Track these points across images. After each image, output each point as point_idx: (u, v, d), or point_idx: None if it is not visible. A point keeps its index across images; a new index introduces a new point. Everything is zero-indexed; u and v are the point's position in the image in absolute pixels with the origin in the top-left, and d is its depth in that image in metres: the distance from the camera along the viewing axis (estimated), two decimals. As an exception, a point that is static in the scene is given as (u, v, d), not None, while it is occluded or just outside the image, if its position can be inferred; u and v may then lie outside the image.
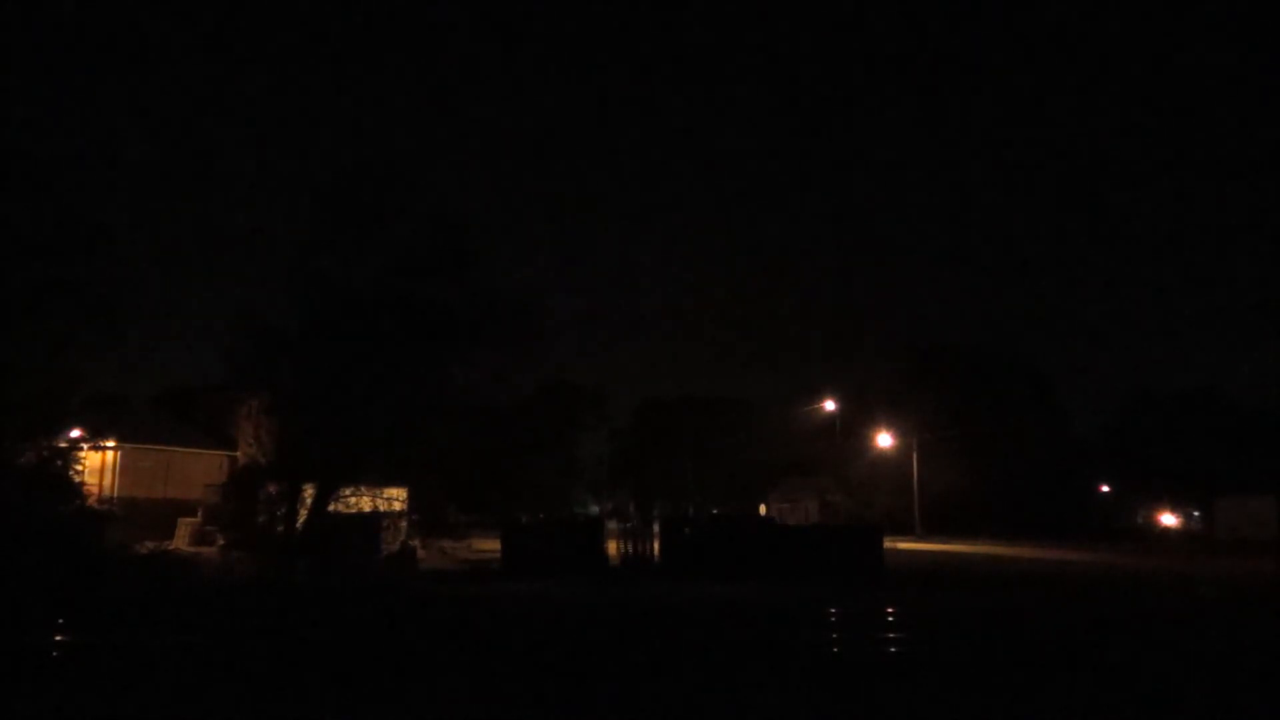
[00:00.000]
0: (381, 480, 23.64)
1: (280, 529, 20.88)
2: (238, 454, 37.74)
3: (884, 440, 59.82)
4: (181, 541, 30.90)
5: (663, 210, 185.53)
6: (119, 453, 36.42)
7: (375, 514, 23.09)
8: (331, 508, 21.67)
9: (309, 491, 21.21)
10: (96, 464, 33.98)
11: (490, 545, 25.66)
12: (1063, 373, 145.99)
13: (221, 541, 24.30)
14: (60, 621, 13.91)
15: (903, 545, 39.83)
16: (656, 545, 26.05)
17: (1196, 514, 59.38)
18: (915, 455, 55.41)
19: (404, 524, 24.25)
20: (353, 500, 22.45)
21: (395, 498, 24.18)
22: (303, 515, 21.04)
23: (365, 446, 21.84)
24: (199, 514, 34.22)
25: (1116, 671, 11.81)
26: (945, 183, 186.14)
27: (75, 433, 22.69)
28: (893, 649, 13.13)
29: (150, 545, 22.28)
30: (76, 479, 21.25)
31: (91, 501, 22.88)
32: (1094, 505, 64.99)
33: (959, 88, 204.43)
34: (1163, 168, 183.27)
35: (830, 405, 64.83)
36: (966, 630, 15.11)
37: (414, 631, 14.62)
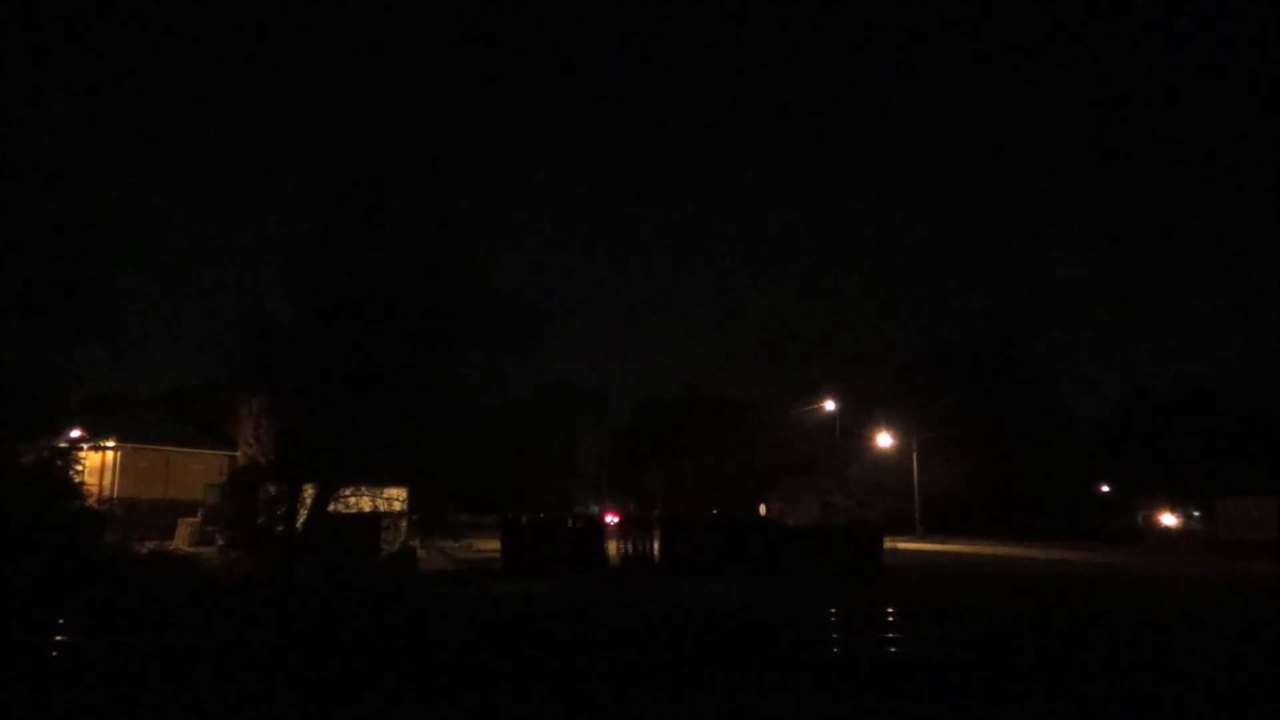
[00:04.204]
0: (381, 480, 23.63)
1: (280, 529, 20.88)
2: (238, 454, 37.68)
3: (884, 440, 59.80)
4: (181, 541, 30.87)
5: (663, 210, 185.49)
6: (119, 453, 36.39)
7: (375, 514, 23.07)
8: (331, 508, 21.67)
9: (309, 491, 21.21)
10: (96, 464, 33.95)
11: (490, 545, 25.66)
12: (1063, 373, 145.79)
13: (221, 541, 24.29)
14: (60, 621, 13.90)
15: (903, 545, 39.83)
16: (656, 545, 26.04)
17: (1196, 514, 59.35)
18: (915, 455, 55.41)
19: (404, 524, 24.22)
20: (353, 500, 22.44)
21: (395, 498, 24.16)
22: (303, 515, 21.03)
23: (365, 446, 21.84)
24: (199, 514, 34.16)
25: (1115, 672, 11.81)
26: (945, 183, 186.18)
27: (75, 433, 22.67)
28: (892, 649, 13.14)
29: (150, 545, 22.31)
30: (76, 479, 21.26)
31: (91, 501, 22.87)
32: (1094, 505, 64.93)
33: (958, 88, 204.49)
34: (1162, 167, 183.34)
35: (830, 405, 64.79)
36: (966, 630, 15.11)
37: (414, 632, 14.62)
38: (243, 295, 22.06)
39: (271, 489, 21.48)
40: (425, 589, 20.46)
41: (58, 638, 13.05)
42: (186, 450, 39.88)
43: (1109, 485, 68.40)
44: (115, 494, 34.35)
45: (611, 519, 28.23)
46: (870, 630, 14.45)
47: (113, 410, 35.47)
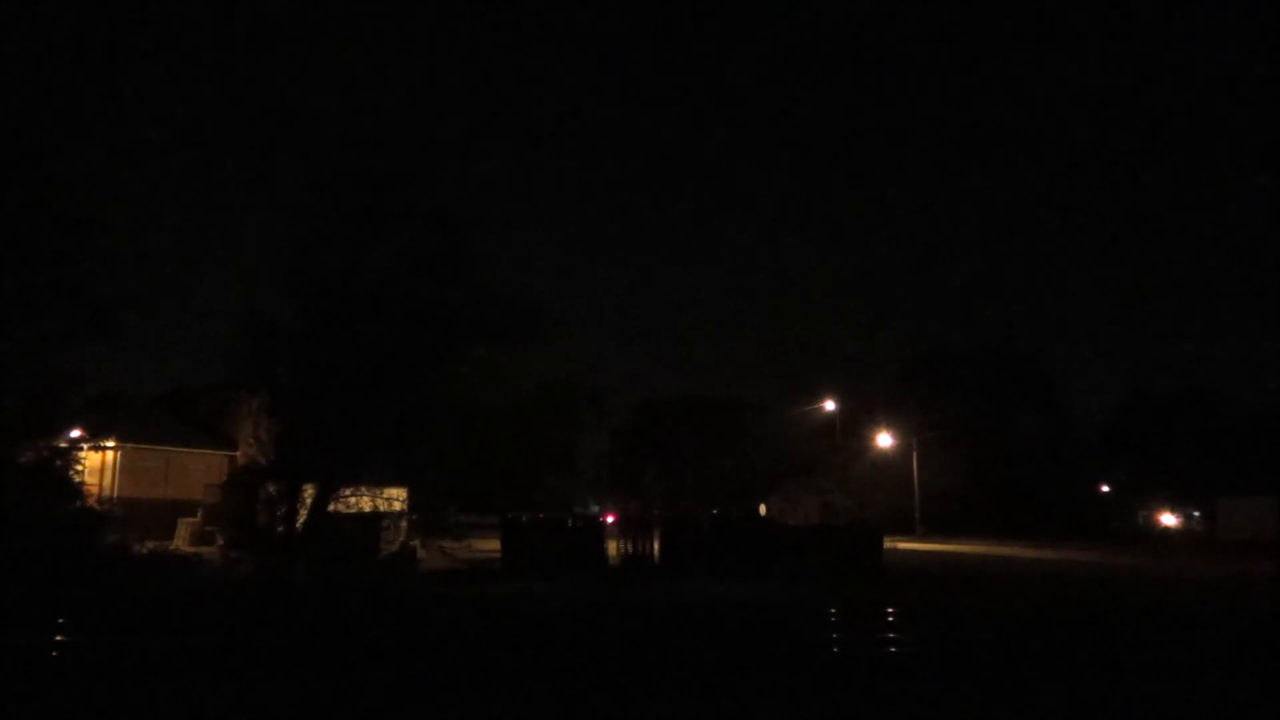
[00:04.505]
0: (381, 480, 23.65)
1: (280, 529, 20.89)
2: (238, 454, 37.73)
3: (884, 440, 59.82)
4: (181, 541, 30.89)
5: (664, 210, 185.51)
6: (119, 453, 36.38)
7: (375, 514, 23.09)
8: (331, 508, 21.68)
9: (309, 491, 21.22)
10: (96, 464, 33.94)
11: (490, 545, 25.67)
12: (1063, 373, 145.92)
13: (221, 541, 24.32)
14: (60, 621, 13.91)
15: (903, 545, 39.84)
16: (656, 545, 26.06)
17: (1196, 514, 59.33)
18: (915, 455, 55.43)
19: (404, 524, 24.26)
20: (353, 500, 22.45)
21: (395, 498, 24.18)
22: (303, 515, 21.05)
23: (365, 446, 21.84)
24: (199, 514, 34.19)
25: (1116, 671, 11.81)
26: (944, 183, 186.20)
27: (75, 433, 22.68)
28: (892, 649, 13.14)
29: (150, 545, 22.31)
30: (76, 479, 21.27)
31: (91, 501, 22.88)
32: (1094, 505, 64.97)
33: (958, 87, 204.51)
34: (1162, 167, 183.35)
35: (830, 406, 64.79)
36: (966, 630, 15.12)
37: (414, 632, 14.62)
38: (242, 295, 22.07)
39: (271, 489, 21.49)
40: (425, 589, 20.47)
41: (58, 638, 13.05)
42: (186, 450, 39.87)
43: (1109, 485, 68.41)
44: (115, 494, 34.32)
45: (610, 519, 28.26)
46: (870, 630, 14.46)
47: (113, 410, 35.47)
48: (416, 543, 24.44)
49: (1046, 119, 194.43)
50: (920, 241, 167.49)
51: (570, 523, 29.37)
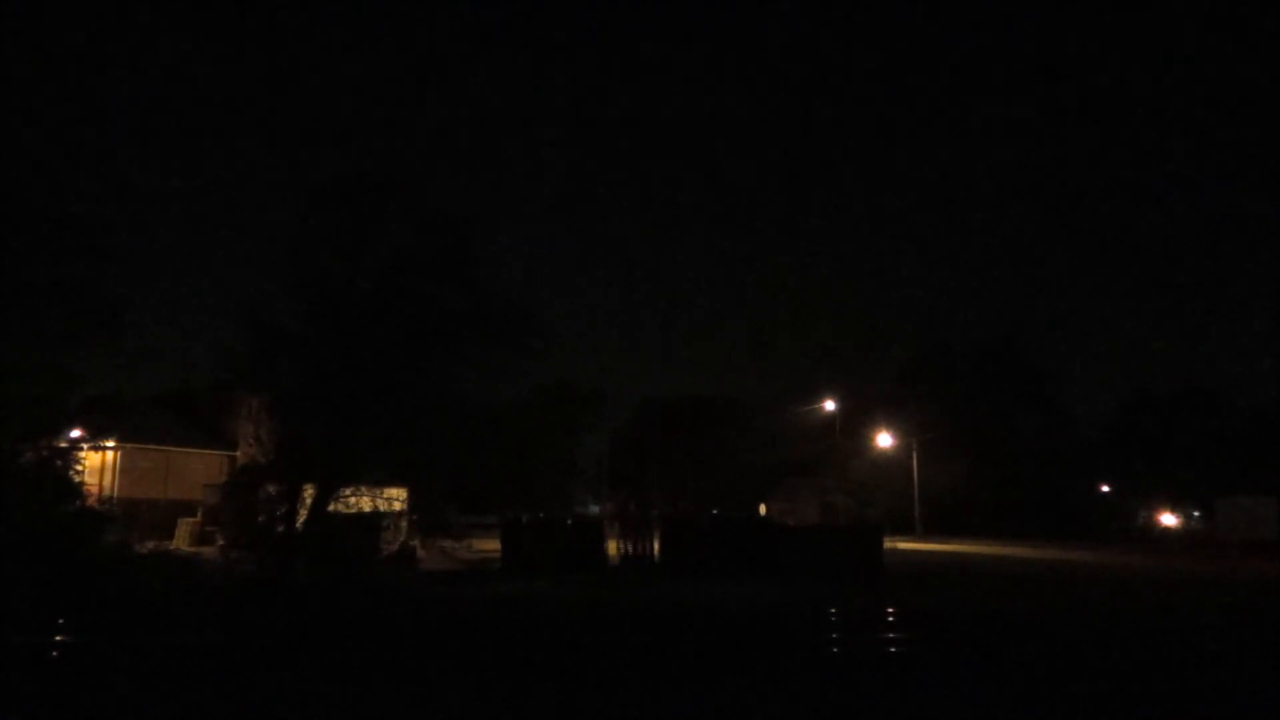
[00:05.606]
0: (381, 480, 23.64)
1: (280, 529, 20.90)
2: (238, 454, 37.76)
3: (884, 440, 59.79)
4: (181, 541, 30.91)
5: (662, 210, 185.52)
6: (119, 453, 36.42)
7: (375, 514, 23.08)
8: (331, 508, 21.68)
9: (309, 491, 21.22)
10: (96, 464, 33.98)
11: (490, 545, 25.66)
12: (1063, 373, 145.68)
13: (221, 541, 24.30)
14: (60, 621, 13.91)
15: (903, 545, 39.83)
16: (656, 545, 26.06)
17: (1196, 514, 59.29)
18: (915, 455, 55.41)
19: (404, 524, 24.24)
20: (353, 500, 22.45)
21: (395, 498, 24.17)
22: (303, 515, 21.05)
23: (365, 446, 21.85)
24: (199, 514, 34.22)
25: (1114, 672, 11.81)
26: (944, 183, 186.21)
27: (75, 433, 22.70)
28: (892, 649, 13.14)
29: (150, 545, 22.32)
30: (76, 479, 21.26)
31: (91, 501, 22.88)
32: (1094, 505, 64.94)
33: (958, 89, 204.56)
34: (1162, 167, 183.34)
35: (830, 405, 64.78)
36: (966, 630, 15.12)
37: (414, 632, 14.62)
38: (243, 295, 22.08)
39: (271, 489, 21.50)
40: (425, 589, 20.47)
41: (58, 638, 13.05)
42: (186, 450, 39.91)
43: (1109, 485, 68.37)
44: (115, 494, 34.36)
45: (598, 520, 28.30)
46: (870, 631, 14.45)
47: (113, 410, 35.50)
48: (416, 543, 24.43)
49: (1047, 118, 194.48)
50: (920, 242, 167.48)
51: (570, 523, 29.37)
